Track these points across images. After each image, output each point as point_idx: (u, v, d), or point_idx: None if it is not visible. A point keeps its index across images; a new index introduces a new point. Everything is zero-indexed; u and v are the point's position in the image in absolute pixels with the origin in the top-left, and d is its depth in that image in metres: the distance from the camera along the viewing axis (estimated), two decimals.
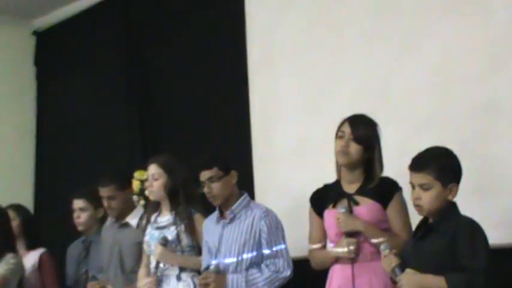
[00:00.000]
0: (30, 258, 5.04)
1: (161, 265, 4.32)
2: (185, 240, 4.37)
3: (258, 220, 3.99)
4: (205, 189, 4.04)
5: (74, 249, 5.14)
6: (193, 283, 4.33)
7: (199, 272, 4.34)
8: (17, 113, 6.60)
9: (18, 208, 5.14)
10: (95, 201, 4.95)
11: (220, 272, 3.96)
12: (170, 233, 4.34)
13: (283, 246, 3.99)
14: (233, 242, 4.01)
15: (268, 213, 4.03)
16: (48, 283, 5.08)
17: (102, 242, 4.78)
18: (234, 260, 3.99)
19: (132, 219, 4.71)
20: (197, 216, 4.38)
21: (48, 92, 6.56)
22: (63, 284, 5.11)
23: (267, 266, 3.97)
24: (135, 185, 5.13)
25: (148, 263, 4.42)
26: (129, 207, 4.77)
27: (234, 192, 4.10)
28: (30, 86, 6.63)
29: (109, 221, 4.83)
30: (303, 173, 4.81)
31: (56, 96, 6.48)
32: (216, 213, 4.15)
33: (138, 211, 4.76)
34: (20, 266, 4.52)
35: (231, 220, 4.05)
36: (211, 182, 4.02)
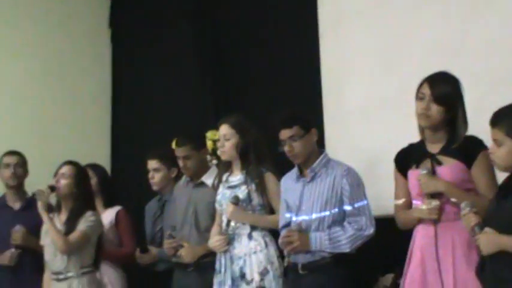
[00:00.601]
0: (108, 216, 5.09)
1: (232, 224, 4.34)
2: (256, 199, 4.36)
3: (340, 178, 3.97)
4: (286, 148, 4.00)
5: (150, 208, 5.21)
6: (265, 242, 4.35)
7: (270, 231, 4.36)
8: (93, 76, 6.57)
9: (96, 167, 5.21)
10: (169, 161, 5.01)
11: (302, 230, 3.96)
12: (241, 192, 4.35)
13: (365, 203, 3.97)
14: (315, 200, 3.99)
15: (349, 171, 4.01)
16: (125, 239, 5.15)
17: (175, 200, 4.80)
18: (316, 217, 3.97)
19: (207, 179, 4.72)
20: (268, 175, 4.37)
21: (123, 54, 6.59)
22: (138, 241, 5.18)
23: (349, 223, 3.95)
24: (208, 145, 5.14)
25: (221, 221, 4.44)
26: (204, 167, 4.79)
27: (314, 151, 4.07)
28: (105, 48, 6.69)
29: (183, 180, 4.85)
30: (373, 132, 4.76)
31: (131, 58, 6.50)
32: (294, 172, 4.12)
33: (213, 171, 4.76)
34: (99, 223, 4.55)
35: (312, 178, 4.03)
36: (292, 141, 3.99)
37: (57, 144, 6.20)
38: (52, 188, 4.53)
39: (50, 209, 4.64)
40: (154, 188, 5.10)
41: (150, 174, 5.06)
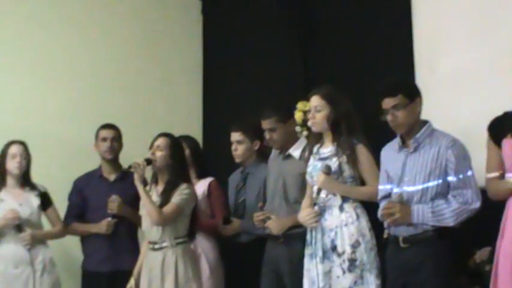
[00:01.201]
0: (200, 187, 5.09)
1: (323, 195, 4.29)
2: (347, 171, 4.30)
3: (445, 149, 3.86)
4: (389, 118, 3.90)
5: (233, 180, 5.22)
6: (356, 214, 4.30)
7: (362, 203, 4.31)
8: (185, 48, 6.54)
9: (188, 139, 5.17)
10: (252, 133, 4.99)
11: (404, 202, 3.86)
12: (332, 164, 4.29)
13: (471, 175, 3.84)
14: (418, 171, 3.89)
15: (455, 142, 3.89)
16: (217, 210, 5.14)
17: (268, 172, 4.78)
18: (419, 189, 3.87)
19: (295, 151, 4.68)
20: (359, 147, 4.32)
21: (214, 26, 6.55)
22: (226, 211, 5.17)
23: (454, 197, 3.84)
24: (298, 116, 5.09)
25: (311, 193, 4.39)
26: (292, 139, 4.74)
27: (418, 121, 3.96)
28: (196, 20, 6.63)
29: (273, 152, 4.82)
30: (467, 101, 4.63)
31: (221, 30, 6.45)
32: (396, 141, 4.03)
33: (301, 143, 4.72)
34: (193, 195, 4.56)
35: (415, 149, 3.92)
36: (396, 110, 3.88)
37: (150, 116, 6.19)
38: (148, 161, 4.53)
39: (144, 182, 4.68)
40: (237, 160, 5.09)
41: (233, 146, 5.05)
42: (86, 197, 5.31)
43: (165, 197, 4.51)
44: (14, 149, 4.93)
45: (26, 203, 4.96)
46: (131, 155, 5.14)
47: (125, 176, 5.07)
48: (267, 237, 4.67)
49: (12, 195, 4.95)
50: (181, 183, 4.52)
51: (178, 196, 4.49)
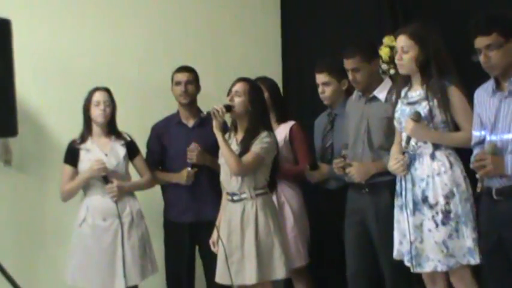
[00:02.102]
0: (281, 131, 4.96)
1: (413, 142, 4.07)
2: (438, 116, 4.05)
3: None
4: (482, 58, 3.62)
5: (320, 122, 5.06)
6: (449, 162, 4.05)
7: (456, 150, 4.08)
8: None
9: (266, 80, 5.02)
10: (338, 73, 4.78)
11: (497, 152, 3.59)
12: (422, 109, 4.04)
13: None
14: None
15: None
16: (300, 155, 5.01)
17: (347, 116, 4.61)
18: None
19: (380, 93, 4.45)
20: (452, 89, 4.03)
21: None
22: (312, 156, 5.04)
23: None
24: (384, 52, 4.83)
25: (400, 140, 4.18)
26: (376, 80, 4.50)
27: None
28: None
29: (355, 94, 4.61)
30: None
31: None
32: (490, 84, 3.74)
33: (386, 84, 4.47)
34: (274, 144, 4.42)
35: (510, 93, 3.64)
36: (489, 50, 3.60)
37: (226, 57, 6.04)
38: (227, 108, 4.39)
39: (225, 128, 4.54)
40: (325, 102, 4.90)
41: (320, 89, 4.86)
42: (164, 143, 5.17)
43: (245, 145, 4.38)
44: (98, 96, 4.80)
45: (113, 153, 4.85)
46: (209, 99, 5.12)
47: (204, 121, 4.90)
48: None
49: (98, 144, 4.85)
50: (261, 130, 4.37)
51: (258, 145, 4.34)
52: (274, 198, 4.62)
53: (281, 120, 4.99)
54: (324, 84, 4.84)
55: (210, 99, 4.97)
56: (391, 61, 4.63)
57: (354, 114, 4.51)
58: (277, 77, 5.71)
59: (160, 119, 5.26)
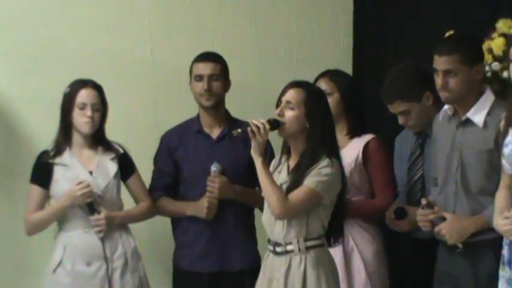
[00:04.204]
0: (353, 149, 4.34)
1: None
2: None
3: None
4: None
5: (403, 142, 4.44)
6: None
7: None
8: None
9: (338, 75, 4.42)
10: (414, 90, 4.15)
11: None
12: None
13: None
14: None
15: None
16: (378, 183, 4.41)
17: (434, 141, 4.02)
18: None
19: (476, 114, 3.73)
20: None
21: None
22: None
23: None
24: (497, 44, 4.01)
25: (510, 184, 3.46)
26: (474, 92, 3.75)
27: None
28: None
29: (443, 113, 3.88)
30: None
31: None
32: None
33: (486, 101, 3.73)
34: (337, 177, 3.81)
35: None
36: None
37: (276, 42, 5.31)
38: (274, 124, 3.77)
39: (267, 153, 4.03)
40: (414, 131, 4.27)
41: (400, 119, 4.23)
42: (178, 161, 4.44)
43: (296, 176, 3.75)
44: (84, 97, 4.19)
45: (100, 171, 4.29)
46: (245, 102, 4.77)
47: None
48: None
49: (80, 159, 4.28)
50: (322, 156, 3.76)
51: (314, 177, 3.70)
52: (339, 247, 4.12)
53: (353, 132, 4.34)
54: (402, 113, 4.20)
55: (247, 103, 4.69)
56: (505, 58, 3.84)
57: (443, 142, 3.90)
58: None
59: (174, 126, 4.57)
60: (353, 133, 4.31)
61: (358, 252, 4.29)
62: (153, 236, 4.86)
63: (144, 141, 4.71)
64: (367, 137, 4.29)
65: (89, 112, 4.18)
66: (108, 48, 4.92)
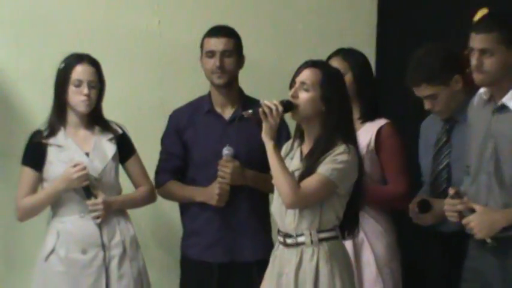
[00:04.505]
0: (365, 134, 4.19)
1: None
2: None
3: None
4: None
5: (429, 128, 4.26)
6: None
7: None
8: None
9: (351, 54, 4.28)
10: (442, 73, 4.00)
11: None
12: None
13: None
14: None
15: None
16: (392, 170, 4.27)
17: (469, 126, 3.83)
18: None
19: None
20: None
21: None
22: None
23: None
24: None
25: None
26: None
27: None
28: None
29: (478, 96, 3.79)
30: None
31: None
32: None
33: None
34: (354, 165, 3.71)
35: None
36: None
37: (293, 17, 5.11)
38: (287, 105, 3.57)
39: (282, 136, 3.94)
40: (441, 117, 4.07)
41: (426, 104, 4.05)
42: (187, 142, 4.25)
43: (310, 163, 3.57)
44: (80, 73, 4.00)
45: (97, 153, 4.12)
46: (264, 82, 4.62)
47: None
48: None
49: (76, 139, 4.10)
50: (338, 142, 3.59)
51: (329, 164, 3.53)
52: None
53: (367, 116, 4.20)
54: (429, 97, 4.03)
55: (262, 82, 4.51)
56: None
57: (478, 128, 3.73)
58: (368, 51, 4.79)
59: (183, 105, 4.39)
60: (365, 117, 4.17)
61: (368, 245, 4.16)
62: (156, 222, 4.73)
63: (149, 122, 4.58)
64: (381, 122, 4.16)
65: (85, 90, 3.98)
66: (110, 20, 4.75)
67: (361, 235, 4.06)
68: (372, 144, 4.11)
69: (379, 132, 4.13)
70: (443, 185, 4.01)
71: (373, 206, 4.12)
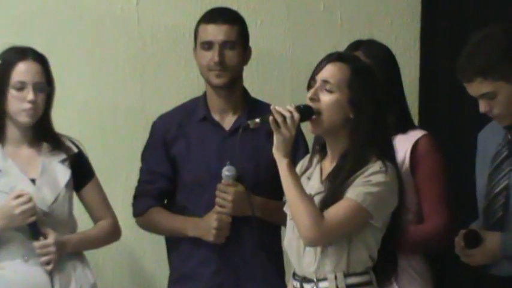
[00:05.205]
0: (399, 147, 3.66)
1: None
2: None
3: None
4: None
5: (486, 141, 3.88)
6: None
7: None
8: None
9: (372, 47, 3.85)
10: (503, 63, 3.59)
11: None
12: None
13: None
14: None
15: None
16: (429, 199, 3.86)
17: None
18: None
19: None
20: None
21: None
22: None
23: None
24: None
25: None
26: None
27: None
28: None
29: None
30: None
31: None
32: None
33: None
34: (394, 188, 3.32)
35: None
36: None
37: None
38: (305, 111, 3.19)
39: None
40: (502, 124, 3.66)
41: (482, 106, 3.64)
42: (176, 158, 3.81)
43: (335, 185, 3.21)
44: (23, 73, 3.59)
45: (46, 179, 3.68)
46: (274, 81, 4.23)
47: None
48: None
49: (18, 161, 3.71)
50: (371, 158, 3.23)
51: (361, 187, 3.17)
52: None
53: (398, 126, 3.76)
54: (485, 96, 3.58)
55: (272, 81, 4.14)
56: None
57: None
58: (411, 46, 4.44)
59: (171, 110, 3.94)
60: (396, 128, 3.67)
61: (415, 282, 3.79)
62: (127, 265, 4.23)
63: (125, 131, 4.15)
64: (416, 134, 3.69)
65: (30, 95, 3.53)
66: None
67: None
68: (407, 163, 3.61)
69: (414, 148, 3.65)
70: (499, 212, 3.54)
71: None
